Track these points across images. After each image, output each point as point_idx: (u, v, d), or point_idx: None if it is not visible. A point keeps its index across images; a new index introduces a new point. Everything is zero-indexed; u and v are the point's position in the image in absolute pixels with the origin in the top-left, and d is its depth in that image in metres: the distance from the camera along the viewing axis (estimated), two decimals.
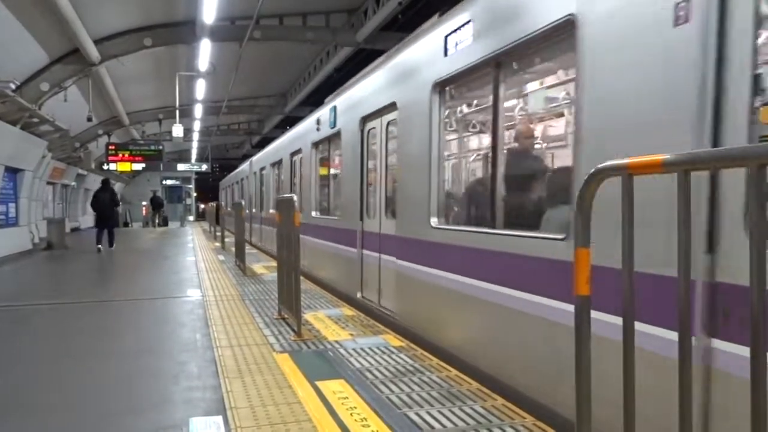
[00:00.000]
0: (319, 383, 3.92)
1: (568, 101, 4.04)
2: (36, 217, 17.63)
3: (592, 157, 3.13)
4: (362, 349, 4.86)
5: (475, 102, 5.38)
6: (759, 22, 2.37)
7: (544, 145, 4.68)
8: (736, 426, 2.34)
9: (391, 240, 6.24)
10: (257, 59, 17.63)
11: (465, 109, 5.61)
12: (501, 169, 4.33)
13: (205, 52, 14.62)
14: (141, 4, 12.90)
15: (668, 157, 1.58)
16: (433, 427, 3.18)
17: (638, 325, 1.98)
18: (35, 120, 14.08)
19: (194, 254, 13.89)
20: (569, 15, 3.35)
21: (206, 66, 15.74)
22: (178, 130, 20.72)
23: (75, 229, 25.89)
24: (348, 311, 6.57)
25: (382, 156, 6.78)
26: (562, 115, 4.60)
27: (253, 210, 18.54)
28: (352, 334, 5.40)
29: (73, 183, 25.39)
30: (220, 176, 47.10)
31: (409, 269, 5.71)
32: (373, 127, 6.95)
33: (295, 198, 5.47)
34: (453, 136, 5.76)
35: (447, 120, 5.37)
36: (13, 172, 15.32)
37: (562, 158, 4.14)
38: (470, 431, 3.13)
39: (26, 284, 9.87)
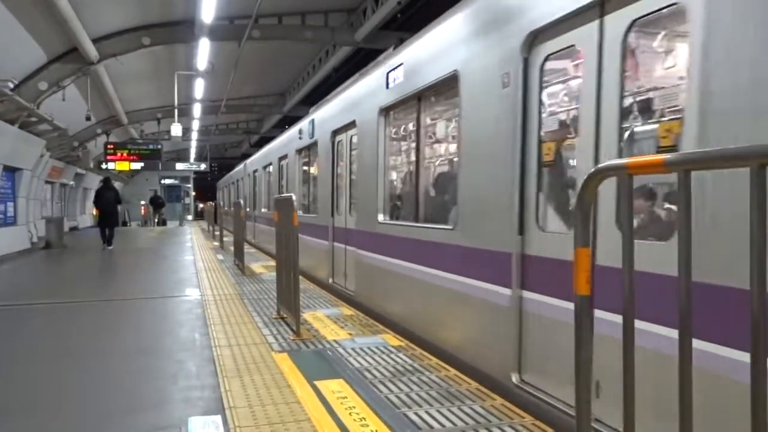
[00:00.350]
0: (317, 383, 3.91)
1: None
2: (34, 217, 17.60)
3: (466, 174, 4.65)
4: (361, 348, 4.86)
5: (406, 125, 6.70)
6: (543, 89, 3.80)
7: (446, 161, 6.01)
8: (535, 346, 3.80)
9: (353, 233, 7.72)
10: (256, 58, 17.61)
11: (400, 129, 6.91)
12: (422, 178, 5.98)
13: (203, 51, 14.60)
14: (139, 3, 12.88)
15: (669, 156, 1.58)
16: (432, 427, 3.17)
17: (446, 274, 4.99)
18: (33, 119, 14.06)
19: (193, 253, 13.88)
20: (455, 70, 4.82)
21: (205, 65, 15.73)
22: (176, 130, 20.70)
23: (73, 229, 25.86)
24: (347, 311, 6.57)
25: (347, 164, 8.29)
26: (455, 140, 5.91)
27: (248, 209, 18.87)
28: (350, 334, 5.40)
29: (71, 182, 25.35)
30: (218, 175, 47.11)
31: (365, 256, 7.18)
32: (341, 140, 8.59)
33: (294, 197, 5.47)
34: (392, 150, 6.99)
35: (389, 137, 6.76)
36: (11, 171, 15.29)
37: (454, 173, 5.37)
38: (469, 431, 3.13)
39: (25, 283, 9.85)
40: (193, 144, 34.90)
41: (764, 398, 1.33)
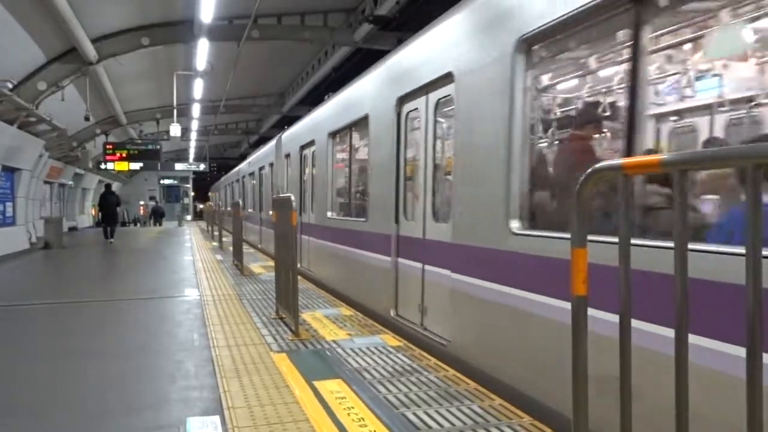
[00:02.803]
0: (316, 383, 3.91)
1: None
2: (33, 217, 17.60)
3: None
4: (360, 348, 4.85)
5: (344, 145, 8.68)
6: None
7: None
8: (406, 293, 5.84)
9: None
10: (255, 58, 17.61)
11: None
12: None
13: (202, 51, 14.59)
14: (139, 3, 12.87)
15: (666, 156, 1.58)
16: (430, 427, 3.17)
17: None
18: (32, 119, 14.06)
19: (192, 254, 13.87)
20: (366, 113, 7.04)
21: (204, 65, 15.72)
22: (175, 130, 20.71)
23: (72, 229, 25.84)
24: (345, 311, 6.56)
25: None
26: None
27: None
28: (349, 334, 5.39)
29: (70, 182, 25.33)
30: (217, 176, 47.11)
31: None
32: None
33: (293, 198, 5.47)
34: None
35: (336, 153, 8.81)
36: (10, 171, 15.29)
37: None
38: (468, 431, 3.13)
39: (23, 284, 9.85)
40: (192, 144, 34.91)
41: (760, 395, 1.34)
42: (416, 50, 5.80)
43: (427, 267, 5.42)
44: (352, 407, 3.46)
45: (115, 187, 33.01)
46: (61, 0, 10.06)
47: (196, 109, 23.22)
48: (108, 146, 22.26)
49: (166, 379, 4.13)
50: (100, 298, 7.80)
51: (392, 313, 6.11)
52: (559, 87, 4.26)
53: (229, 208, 19.96)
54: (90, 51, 12.94)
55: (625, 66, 3.19)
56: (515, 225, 3.91)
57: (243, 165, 19.39)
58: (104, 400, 3.74)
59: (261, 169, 14.52)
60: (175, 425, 3.24)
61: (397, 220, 6.16)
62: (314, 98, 16.34)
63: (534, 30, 3.65)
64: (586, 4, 3.19)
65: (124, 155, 22.48)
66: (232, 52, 14.87)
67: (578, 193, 1.83)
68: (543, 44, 3.79)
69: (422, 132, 5.59)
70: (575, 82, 4.15)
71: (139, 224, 37.50)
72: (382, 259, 6.43)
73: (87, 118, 16.47)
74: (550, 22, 3.48)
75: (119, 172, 27.30)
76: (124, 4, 12.70)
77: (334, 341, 5.11)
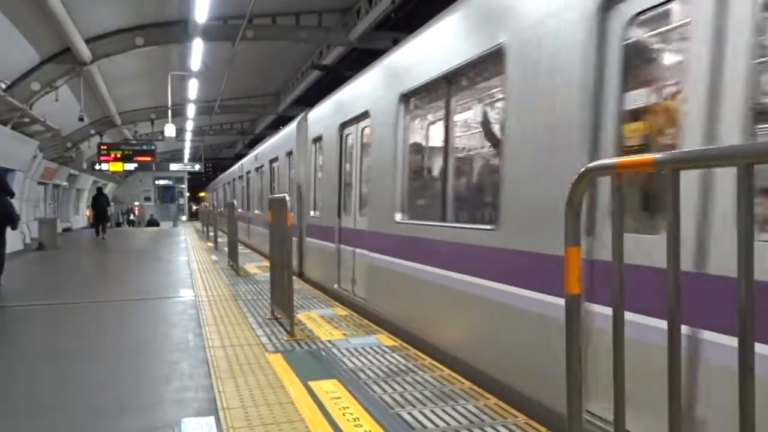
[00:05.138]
0: (311, 383, 3.91)
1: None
2: (27, 218, 17.52)
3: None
4: (355, 348, 4.85)
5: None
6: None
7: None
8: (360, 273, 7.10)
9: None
10: (250, 59, 17.59)
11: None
12: None
13: (197, 51, 14.58)
14: (133, 3, 12.84)
15: (659, 156, 1.58)
16: (425, 427, 3.17)
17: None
18: (26, 120, 14.01)
19: (187, 254, 13.83)
20: (321, 133, 8.80)
21: (199, 65, 15.70)
22: (170, 130, 20.67)
23: (67, 230, 25.73)
24: (341, 311, 6.56)
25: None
26: None
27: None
28: (345, 334, 5.39)
29: (64, 183, 25.23)
30: (213, 176, 47.02)
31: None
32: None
33: (288, 198, 5.47)
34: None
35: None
36: (3, 171, 15.22)
37: None
38: (463, 430, 3.13)
39: (17, 285, 9.80)
40: (187, 144, 34.85)
41: (752, 389, 1.34)
42: (352, 89, 7.79)
43: (356, 249, 7.31)
44: (347, 407, 3.46)
45: (110, 187, 33.41)
46: (54, 0, 10.03)
47: (191, 110, 23.19)
48: (102, 147, 22.22)
49: (160, 380, 4.12)
50: (94, 300, 7.76)
51: (335, 286, 8.05)
52: (419, 128, 6.26)
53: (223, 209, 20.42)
54: (84, 51, 12.91)
55: (443, 119, 5.21)
56: (398, 216, 5.85)
57: (237, 168, 23.04)
58: (99, 401, 3.72)
59: (250, 172, 17.33)
60: (169, 426, 3.23)
61: (339, 216, 8.12)
62: (309, 98, 16.27)
63: (408, 89, 5.65)
64: (426, 80, 5.20)
65: (118, 156, 22.44)
66: (227, 52, 14.87)
67: (571, 192, 1.83)
68: (413, 98, 5.82)
69: (354, 150, 7.67)
70: (427, 126, 6.13)
71: (133, 216, 38.34)
72: (330, 245, 8.40)
73: (81, 119, 16.44)
74: (414, 86, 5.49)
75: (114, 172, 27.22)
76: (119, 5, 12.67)
77: (330, 341, 5.10)
